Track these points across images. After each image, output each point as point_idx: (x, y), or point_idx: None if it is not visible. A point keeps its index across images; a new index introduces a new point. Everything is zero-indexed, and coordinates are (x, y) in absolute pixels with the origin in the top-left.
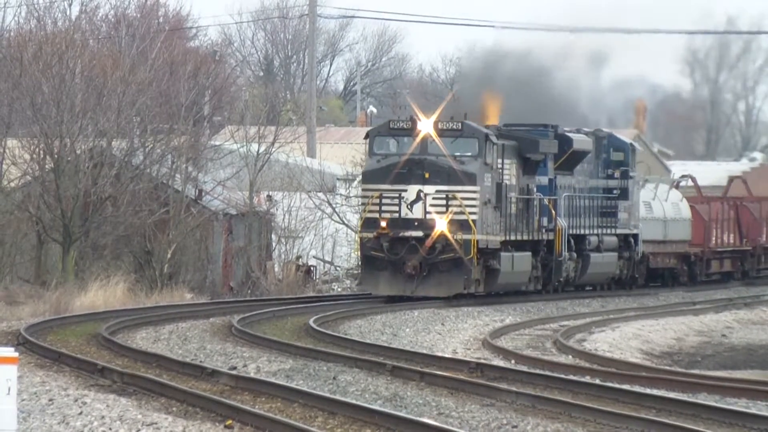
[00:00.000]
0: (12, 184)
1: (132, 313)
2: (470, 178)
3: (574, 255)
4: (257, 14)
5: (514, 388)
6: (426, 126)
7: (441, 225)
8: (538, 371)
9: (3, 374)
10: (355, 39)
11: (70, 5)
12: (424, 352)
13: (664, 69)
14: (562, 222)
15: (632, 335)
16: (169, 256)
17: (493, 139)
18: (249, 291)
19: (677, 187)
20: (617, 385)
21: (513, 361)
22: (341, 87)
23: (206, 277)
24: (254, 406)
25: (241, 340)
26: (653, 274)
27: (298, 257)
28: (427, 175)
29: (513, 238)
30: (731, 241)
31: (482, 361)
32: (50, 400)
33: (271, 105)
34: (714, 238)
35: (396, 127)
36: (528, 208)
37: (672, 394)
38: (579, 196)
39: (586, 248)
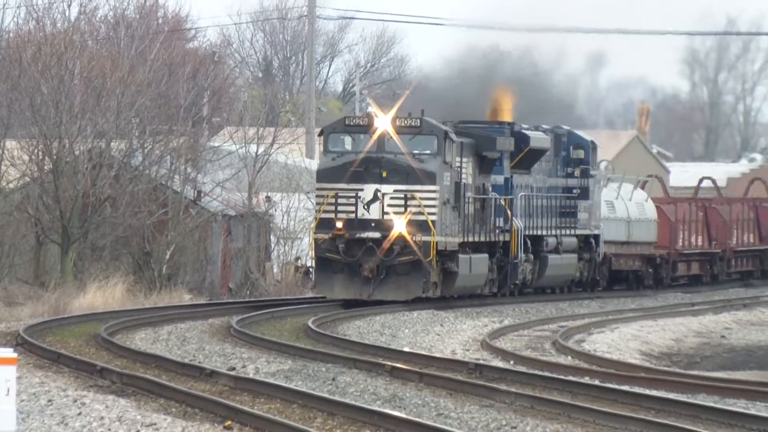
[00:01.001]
0: (11, 185)
1: (131, 313)
2: (430, 177)
3: (531, 257)
4: (256, 15)
5: (513, 389)
6: (383, 123)
7: (399, 226)
8: (537, 372)
9: (2, 375)
10: (354, 40)
11: (69, 6)
12: (423, 353)
13: (663, 70)
14: (518, 223)
15: (631, 336)
16: (167, 257)
17: (453, 136)
18: (248, 292)
19: (643, 187)
20: (616, 386)
21: (512, 362)
22: (340, 88)
23: (205, 278)
24: (253, 406)
25: (240, 340)
26: (616, 276)
27: (297, 258)
28: (384, 174)
29: (471, 239)
30: (699, 243)
31: (481, 362)
32: (49, 400)
33: (270, 106)
34: (681, 240)
35: (352, 123)
36: (484, 208)
37: (671, 395)
38: (536, 195)
39: (544, 250)
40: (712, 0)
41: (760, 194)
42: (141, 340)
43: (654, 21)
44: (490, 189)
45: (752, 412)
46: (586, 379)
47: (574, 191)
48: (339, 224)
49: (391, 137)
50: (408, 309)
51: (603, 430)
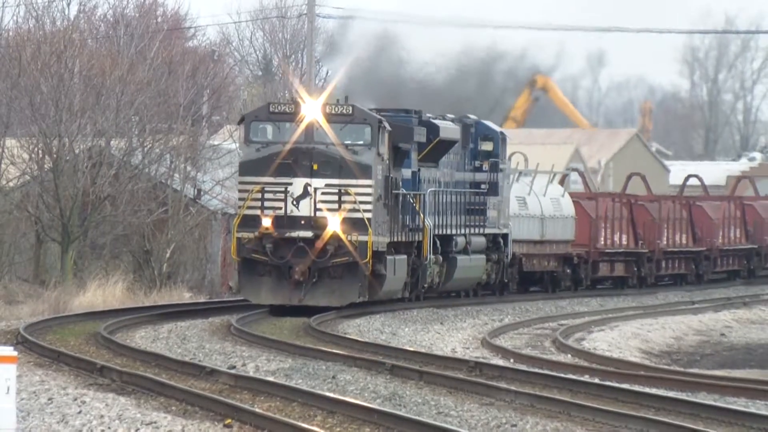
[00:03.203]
0: (11, 184)
1: (131, 312)
2: (365, 171)
3: (440, 258)
4: (256, 14)
5: (513, 387)
6: (312, 110)
7: (334, 224)
8: (537, 370)
9: (2, 373)
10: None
11: (68, 5)
12: (423, 351)
13: (663, 69)
14: (429, 221)
15: (631, 334)
16: (167, 255)
17: (387, 125)
18: None
19: (562, 181)
20: (616, 384)
21: (512, 360)
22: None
23: (205, 276)
24: (253, 405)
25: (240, 339)
26: (530, 278)
27: None
28: (315, 167)
29: (396, 239)
30: (624, 242)
31: (481, 360)
32: (49, 399)
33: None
34: (603, 239)
35: (277, 111)
36: (403, 205)
37: (671, 393)
38: (444, 191)
39: (453, 250)
40: None
41: (747, 194)
42: (141, 338)
43: (653, 20)
44: (400, 184)
45: (752, 410)
46: (586, 378)
47: (482, 187)
48: (267, 222)
49: (321, 126)
50: (407, 307)
51: (603, 428)
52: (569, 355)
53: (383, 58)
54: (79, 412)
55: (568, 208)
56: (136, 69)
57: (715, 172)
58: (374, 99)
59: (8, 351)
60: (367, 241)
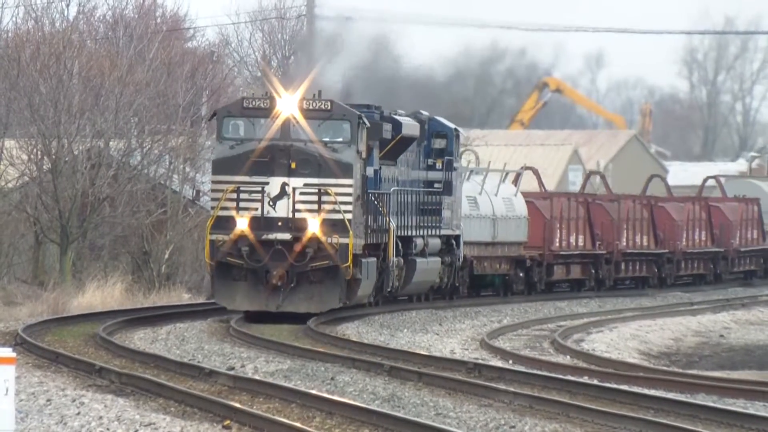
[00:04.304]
0: (9, 185)
1: (130, 313)
2: (345, 170)
3: (401, 261)
4: (255, 15)
5: (511, 389)
6: (288, 105)
7: (314, 226)
8: (535, 371)
9: (1, 374)
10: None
11: (67, 6)
12: (422, 352)
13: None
14: (392, 222)
15: (630, 336)
16: (166, 256)
17: (366, 121)
18: None
19: (515, 180)
20: (615, 386)
21: (511, 362)
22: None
23: (204, 277)
24: (252, 406)
25: (239, 340)
26: (481, 281)
27: None
28: (293, 165)
29: (370, 241)
30: (581, 243)
31: (480, 361)
32: (48, 400)
33: None
34: (558, 240)
35: (251, 106)
36: (370, 205)
37: (670, 395)
38: (403, 190)
39: (413, 252)
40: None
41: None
42: (140, 339)
43: (652, 21)
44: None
45: (751, 411)
46: (585, 379)
47: (436, 186)
48: (243, 223)
49: (298, 122)
50: (406, 308)
51: (601, 429)
52: (568, 357)
53: (380, 58)
54: (78, 413)
55: (521, 208)
56: (135, 70)
57: (714, 173)
58: (372, 99)
59: (7, 352)
60: (347, 244)
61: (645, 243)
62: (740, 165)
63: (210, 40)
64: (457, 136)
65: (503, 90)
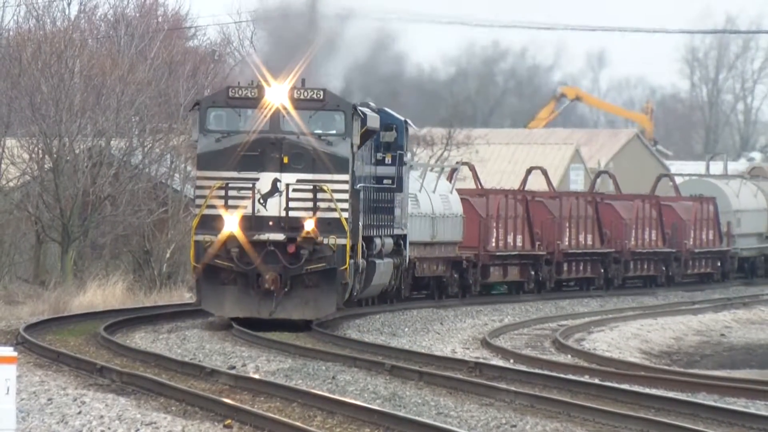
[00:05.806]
0: (11, 184)
1: (131, 312)
2: (341, 165)
3: (365, 262)
4: (256, 14)
5: (512, 388)
6: (278, 95)
7: (309, 226)
8: (536, 371)
9: (2, 374)
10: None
11: (69, 5)
12: (423, 351)
13: (663, 69)
14: (360, 221)
15: (631, 335)
16: (167, 255)
17: (360, 112)
18: None
19: (451, 176)
20: (616, 385)
21: (512, 361)
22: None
23: None
24: (253, 405)
25: (240, 339)
26: (420, 283)
27: None
28: (286, 160)
29: (354, 241)
30: (519, 243)
31: (481, 360)
32: (49, 399)
33: None
34: (494, 240)
35: (237, 95)
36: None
37: (671, 394)
38: (365, 187)
39: (373, 253)
40: None
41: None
42: (141, 338)
43: (654, 20)
44: None
45: (752, 411)
46: (586, 378)
47: (385, 182)
48: (232, 222)
49: (288, 114)
50: (406, 308)
51: (603, 428)
52: (569, 356)
53: (381, 57)
54: (79, 412)
55: (456, 206)
56: (137, 69)
57: (714, 172)
58: (373, 98)
59: (8, 351)
60: (345, 245)
61: (590, 242)
62: (741, 164)
63: (211, 39)
64: (407, 129)
65: (506, 90)
